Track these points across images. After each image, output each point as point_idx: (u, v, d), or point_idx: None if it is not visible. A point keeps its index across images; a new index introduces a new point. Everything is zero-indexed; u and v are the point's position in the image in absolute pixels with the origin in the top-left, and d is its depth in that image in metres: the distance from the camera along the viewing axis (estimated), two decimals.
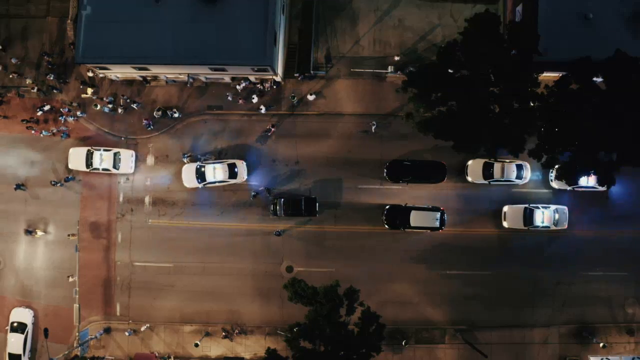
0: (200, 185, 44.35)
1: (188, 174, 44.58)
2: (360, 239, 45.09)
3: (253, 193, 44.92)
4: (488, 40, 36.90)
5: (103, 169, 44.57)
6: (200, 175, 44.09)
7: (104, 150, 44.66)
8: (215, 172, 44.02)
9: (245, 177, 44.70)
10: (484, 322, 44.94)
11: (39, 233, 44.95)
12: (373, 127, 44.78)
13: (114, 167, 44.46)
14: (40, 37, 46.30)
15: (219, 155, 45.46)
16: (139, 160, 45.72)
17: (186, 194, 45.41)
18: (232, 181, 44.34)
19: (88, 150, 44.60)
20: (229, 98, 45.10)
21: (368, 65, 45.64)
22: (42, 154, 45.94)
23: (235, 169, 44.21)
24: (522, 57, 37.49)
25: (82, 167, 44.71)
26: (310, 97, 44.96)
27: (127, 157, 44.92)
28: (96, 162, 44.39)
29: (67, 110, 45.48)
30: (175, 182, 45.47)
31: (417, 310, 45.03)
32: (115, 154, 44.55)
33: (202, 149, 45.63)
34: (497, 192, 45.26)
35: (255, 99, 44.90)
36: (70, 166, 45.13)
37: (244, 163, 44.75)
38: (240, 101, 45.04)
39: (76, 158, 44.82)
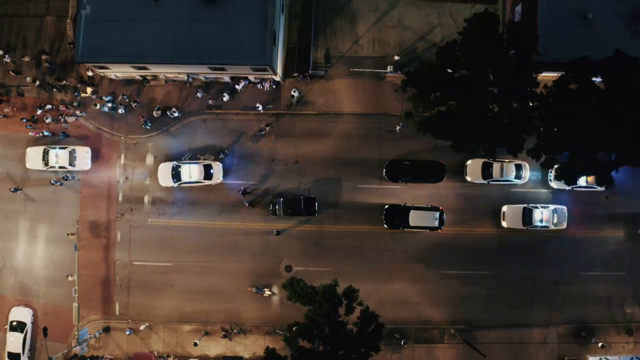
0: (175, 185, 44.35)
1: (164, 172, 44.58)
2: (360, 239, 45.12)
3: (247, 203, 44.94)
4: (487, 40, 36.90)
5: (59, 167, 44.56)
6: (176, 175, 44.08)
7: (60, 148, 44.62)
8: (191, 173, 43.98)
9: (221, 178, 44.69)
10: (482, 322, 44.98)
11: (267, 292, 44.68)
12: (398, 128, 44.58)
13: (70, 164, 44.47)
14: (39, 36, 46.30)
15: (217, 155, 45.49)
16: (129, 157, 45.79)
17: (185, 194, 45.44)
18: (207, 182, 44.30)
19: (44, 149, 44.60)
20: (199, 95, 45.12)
21: (367, 65, 45.69)
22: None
23: (211, 170, 44.19)
24: (521, 57, 37.52)
25: (39, 166, 44.65)
26: (294, 94, 44.99)
27: (83, 154, 44.94)
28: (52, 161, 44.38)
29: (66, 109, 45.48)
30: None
31: (416, 310, 45.08)
32: (70, 151, 44.56)
33: (201, 148, 45.65)
34: (496, 192, 45.31)
35: (226, 97, 44.94)
36: (27, 165, 44.99)
37: (220, 165, 44.79)
38: (210, 101, 45.16)
39: (33, 157, 44.78)
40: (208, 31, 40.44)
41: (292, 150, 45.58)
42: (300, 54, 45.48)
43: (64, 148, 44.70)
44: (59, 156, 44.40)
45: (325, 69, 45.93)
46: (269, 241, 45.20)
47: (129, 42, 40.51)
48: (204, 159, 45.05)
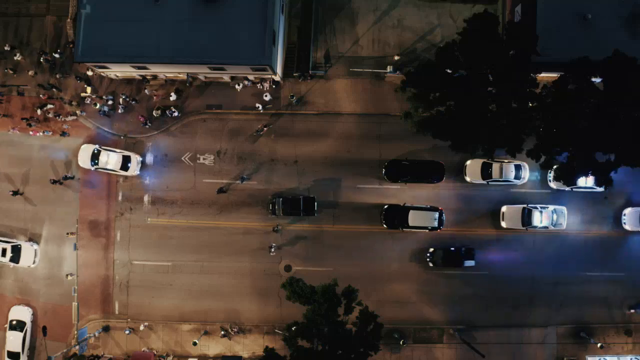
0: (92, 168, 44.58)
1: (84, 154, 44.83)
2: (359, 239, 45.15)
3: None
4: (487, 40, 36.92)
5: None
6: (95, 158, 44.32)
7: None
8: (109, 159, 44.31)
9: (137, 172, 45.05)
10: (481, 322, 44.99)
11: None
12: None
13: None
14: (39, 35, 46.35)
15: (217, 154, 45.54)
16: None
17: (185, 193, 45.50)
18: (122, 172, 44.62)
19: None
20: (147, 92, 45.33)
21: (367, 65, 45.71)
22: (41, 152, 46.00)
23: (129, 163, 44.43)
24: (520, 58, 37.50)
25: None
26: (266, 98, 45.06)
27: None
28: None
29: (66, 108, 45.51)
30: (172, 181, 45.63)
31: (415, 310, 45.09)
32: None
33: (200, 148, 45.70)
34: (495, 192, 45.32)
35: (173, 97, 45.14)
36: None
37: (139, 159, 45.11)
38: (155, 98, 45.39)
39: None
40: (208, 31, 40.50)
41: (291, 150, 45.60)
42: (300, 54, 45.49)
43: None
44: None
45: (325, 69, 45.96)
46: (269, 241, 45.21)
47: (129, 42, 40.57)
48: (205, 157, 44.99)
